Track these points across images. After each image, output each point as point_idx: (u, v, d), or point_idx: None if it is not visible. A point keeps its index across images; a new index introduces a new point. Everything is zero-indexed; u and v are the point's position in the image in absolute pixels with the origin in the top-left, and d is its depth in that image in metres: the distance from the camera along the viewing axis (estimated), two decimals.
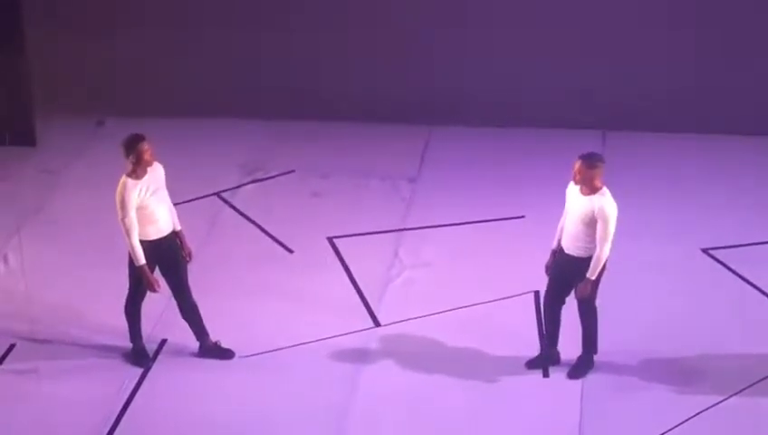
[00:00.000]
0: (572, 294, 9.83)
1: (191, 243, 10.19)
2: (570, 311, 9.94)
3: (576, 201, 9.56)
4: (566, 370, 10.07)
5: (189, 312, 10.17)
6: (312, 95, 14.09)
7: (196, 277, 10.27)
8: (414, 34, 13.76)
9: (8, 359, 10.37)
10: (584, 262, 9.59)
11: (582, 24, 13.53)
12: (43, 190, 12.94)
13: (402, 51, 13.86)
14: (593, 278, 9.61)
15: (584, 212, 9.48)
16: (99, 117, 14.28)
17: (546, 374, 10.10)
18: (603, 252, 9.51)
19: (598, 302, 9.84)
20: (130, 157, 9.66)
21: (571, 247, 9.66)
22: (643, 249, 11.56)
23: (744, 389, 9.83)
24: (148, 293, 9.97)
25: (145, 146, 9.67)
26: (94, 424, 9.61)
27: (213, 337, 10.31)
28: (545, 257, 9.97)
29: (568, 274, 9.76)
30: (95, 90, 14.27)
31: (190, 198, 12.34)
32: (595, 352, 10.04)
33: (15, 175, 13.24)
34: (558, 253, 9.83)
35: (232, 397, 9.90)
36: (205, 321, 10.23)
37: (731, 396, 9.76)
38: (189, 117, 14.05)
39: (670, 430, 9.44)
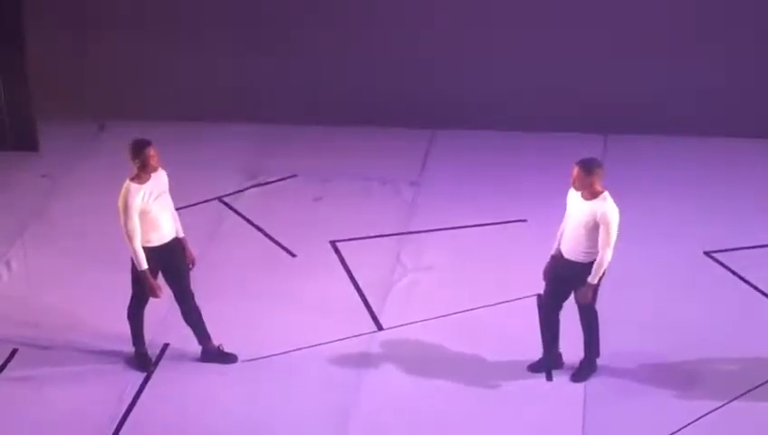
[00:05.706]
0: (571, 298, 9.82)
1: (193, 246, 10.17)
2: (572, 314, 9.93)
3: (577, 206, 9.53)
4: (569, 373, 10.07)
5: (192, 316, 10.16)
6: (314, 98, 14.09)
7: (198, 282, 10.26)
8: (416, 37, 13.75)
9: (11, 364, 10.36)
10: (585, 267, 9.56)
11: (585, 28, 13.51)
12: (45, 195, 12.94)
13: (404, 54, 13.84)
14: (594, 283, 9.61)
15: (586, 217, 9.45)
16: (100, 121, 14.29)
17: (549, 378, 10.10)
18: (605, 257, 9.47)
19: (600, 305, 9.84)
20: (136, 161, 9.64)
21: (572, 253, 9.64)
22: (645, 252, 11.55)
23: (747, 392, 9.82)
24: (151, 298, 9.98)
25: (152, 151, 9.65)
26: (97, 429, 9.61)
27: (215, 341, 10.31)
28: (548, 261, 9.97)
29: (567, 278, 9.73)
30: (96, 94, 14.25)
31: (192, 202, 12.34)
32: (597, 356, 10.03)
33: (17, 180, 13.23)
34: (558, 258, 9.82)
35: (234, 401, 9.89)
36: (207, 325, 10.23)
37: (734, 399, 9.75)
38: (191, 121, 14.04)
39: (673, 433, 9.43)
